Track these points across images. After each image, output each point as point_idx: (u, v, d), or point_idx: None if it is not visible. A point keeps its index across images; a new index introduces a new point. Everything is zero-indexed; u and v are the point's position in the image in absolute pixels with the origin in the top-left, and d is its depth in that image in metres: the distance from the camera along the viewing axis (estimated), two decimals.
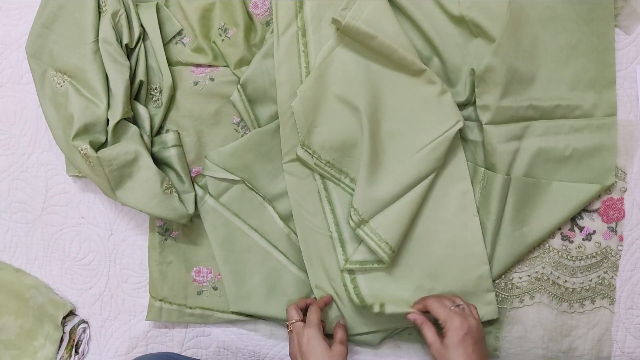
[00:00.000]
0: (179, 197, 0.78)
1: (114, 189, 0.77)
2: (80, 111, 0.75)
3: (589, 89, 0.74)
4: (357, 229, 0.74)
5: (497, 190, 0.74)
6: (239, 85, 0.79)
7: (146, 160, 0.76)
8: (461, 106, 0.77)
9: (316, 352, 0.68)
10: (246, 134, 0.82)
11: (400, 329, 0.80)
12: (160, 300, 0.84)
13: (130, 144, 0.76)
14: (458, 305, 0.69)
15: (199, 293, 0.84)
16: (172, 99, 0.82)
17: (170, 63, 0.81)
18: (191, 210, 0.79)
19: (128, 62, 0.78)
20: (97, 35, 0.77)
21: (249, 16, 0.82)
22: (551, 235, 0.77)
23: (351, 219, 0.74)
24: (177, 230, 0.83)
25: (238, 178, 0.81)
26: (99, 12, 0.78)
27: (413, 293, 0.76)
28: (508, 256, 0.76)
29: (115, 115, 0.76)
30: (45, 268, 0.89)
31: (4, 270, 0.88)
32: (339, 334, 0.74)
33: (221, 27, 0.80)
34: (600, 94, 0.75)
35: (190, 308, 0.84)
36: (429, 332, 0.68)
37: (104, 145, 0.78)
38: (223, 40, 0.80)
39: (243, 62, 0.80)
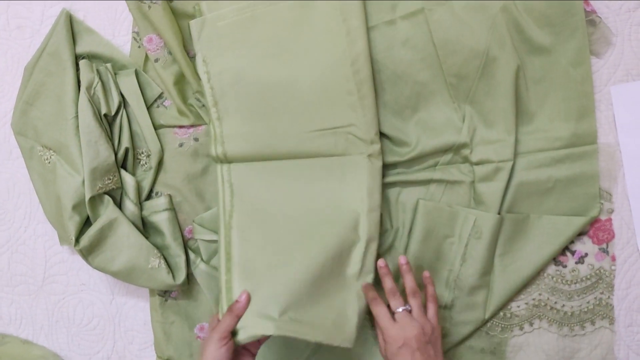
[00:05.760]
0: (168, 266, 0.80)
1: (103, 271, 0.80)
2: (67, 192, 0.77)
3: (569, 119, 0.74)
4: None
5: (489, 230, 0.74)
6: None
7: (127, 241, 0.78)
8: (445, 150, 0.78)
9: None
10: None
11: None
12: (167, 359, 0.85)
13: (107, 231, 0.78)
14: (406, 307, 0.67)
15: None
16: (159, 162, 0.83)
17: (154, 127, 0.82)
18: (181, 278, 0.80)
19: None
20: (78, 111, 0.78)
21: None
22: None
23: None
24: (176, 291, 0.84)
25: None
26: (79, 87, 0.79)
27: None
28: (504, 291, 0.76)
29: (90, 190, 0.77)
30: (52, 337, 0.90)
31: (11, 343, 0.89)
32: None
33: (197, 91, 0.81)
34: (580, 123, 0.74)
35: None
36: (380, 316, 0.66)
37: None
38: (203, 105, 0.81)
39: None
